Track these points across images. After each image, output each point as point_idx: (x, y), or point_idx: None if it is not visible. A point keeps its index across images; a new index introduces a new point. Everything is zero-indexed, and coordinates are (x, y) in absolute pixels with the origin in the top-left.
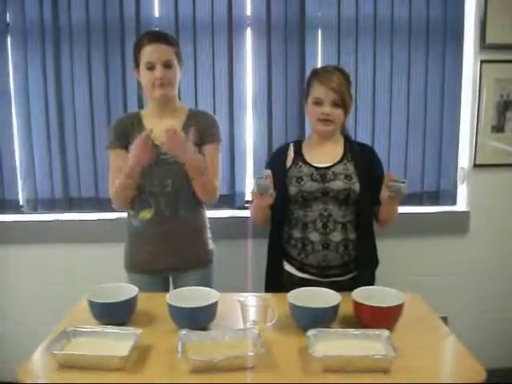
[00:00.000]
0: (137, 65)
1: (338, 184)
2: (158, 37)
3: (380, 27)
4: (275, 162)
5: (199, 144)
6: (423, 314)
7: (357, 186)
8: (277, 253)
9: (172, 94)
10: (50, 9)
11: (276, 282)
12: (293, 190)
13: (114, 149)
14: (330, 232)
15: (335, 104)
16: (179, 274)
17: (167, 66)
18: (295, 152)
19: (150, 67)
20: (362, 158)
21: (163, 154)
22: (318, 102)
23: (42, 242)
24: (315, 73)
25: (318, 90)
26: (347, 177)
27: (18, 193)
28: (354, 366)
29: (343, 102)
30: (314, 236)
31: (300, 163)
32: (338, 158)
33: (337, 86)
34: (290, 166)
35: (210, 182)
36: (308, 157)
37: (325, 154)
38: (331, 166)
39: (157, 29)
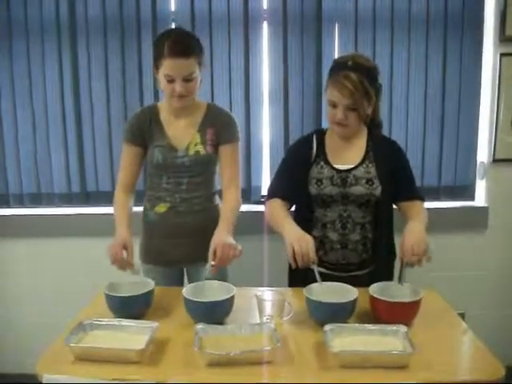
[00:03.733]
0: (156, 65)
1: (359, 189)
2: (179, 49)
3: (397, 20)
4: (297, 156)
5: (216, 144)
6: (441, 310)
7: (378, 191)
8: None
9: (190, 102)
10: (66, 4)
11: (300, 277)
12: (312, 191)
13: (127, 143)
14: (349, 233)
15: (349, 108)
16: (193, 266)
17: (187, 80)
18: (317, 146)
19: (170, 80)
20: (384, 156)
21: (181, 157)
22: (333, 105)
23: (58, 236)
24: (333, 69)
25: (332, 93)
26: (368, 181)
27: (39, 187)
28: (371, 361)
29: (357, 106)
30: (333, 235)
31: (321, 163)
32: (360, 157)
33: (350, 92)
34: (312, 164)
35: (236, 200)
36: (330, 155)
37: (346, 153)
38: (353, 169)
39: (176, 26)
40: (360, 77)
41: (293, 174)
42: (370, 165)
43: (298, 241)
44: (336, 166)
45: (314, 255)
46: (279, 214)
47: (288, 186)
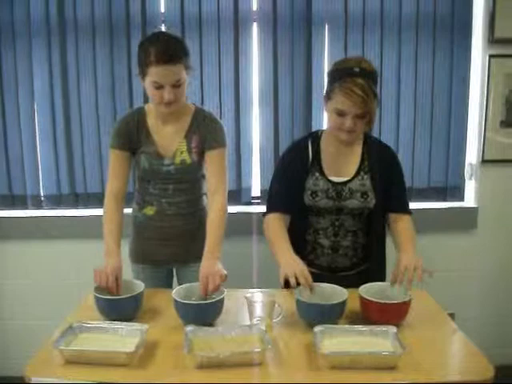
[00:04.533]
0: (142, 72)
1: (353, 203)
2: (167, 56)
3: (387, 21)
4: (295, 163)
5: (201, 151)
6: (431, 311)
7: (372, 203)
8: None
9: (178, 107)
10: (55, 4)
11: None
12: (307, 201)
13: (114, 149)
14: (341, 240)
15: (359, 116)
16: (182, 266)
17: (176, 86)
18: (313, 154)
19: (158, 87)
20: (379, 165)
21: (167, 165)
22: (340, 114)
23: (47, 238)
24: (340, 76)
25: (341, 102)
26: (363, 194)
27: (25, 189)
28: (360, 362)
29: (369, 113)
30: (325, 242)
31: (317, 174)
32: (355, 168)
33: (362, 100)
34: (308, 173)
35: (222, 210)
36: (325, 165)
37: (343, 164)
38: (348, 182)
39: (159, 29)
40: (369, 83)
41: (291, 184)
42: (366, 176)
43: (293, 270)
44: (331, 179)
45: (310, 282)
46: (276, 235)
47: (287, 197)
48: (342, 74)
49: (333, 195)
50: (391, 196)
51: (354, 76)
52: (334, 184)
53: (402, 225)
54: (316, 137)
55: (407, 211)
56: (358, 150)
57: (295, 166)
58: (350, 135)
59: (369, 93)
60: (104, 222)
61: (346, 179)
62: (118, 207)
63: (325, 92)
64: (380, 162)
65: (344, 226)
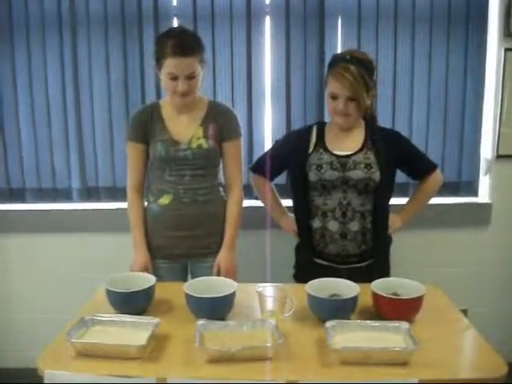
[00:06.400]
0: (158, 64)
1: (357, 173)
2: (182, 49)
3: (400, 15)
4: (296, 144)
5: (219, 140)
6: (443, 307)
7: (377, 176)
8: (307, 245)
9: (192, 99)
10: None
11: (307, 273)
12: (312, 177)
13: (131, 141)
14: (349, 221)
15: (349, 99)
16: (197, 261)
17: (190, 77)
18: (317, 137)
19: (173, 78)
20: (382, 144)
21: (183, 150)
22: (334, 97)
23: (58, 231)
24: (332, 64)
25: (333, 86)
26: (367, 166)
27: (39, 182)
28: (372, 358)
29: (357, 97)
30: (333, 225)
31: (321, 150)
32: (359, 146)
33: (350, 83)
34: (311, 153)
35: (239, 202)
36: (329, 144)
37: (346, 142)
38: (352, 155)
39: (178, 24)
40: (358, 68)
41: (287, 161)
42: (369, 152)
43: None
44: (335, 152)
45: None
46: (275, 201)
47: (277, 171)
48: (334, 61)
49: (337, 166)
50: (412, 167)
51: (345, 62)
52: (338, 157)
53: (422, 186)
54: (321, 124)
55: (430, 168)
56: (360, 133)
57: (296, 144)
58: (344, 119)
59: (357, 77)
60: (129, 215)
61: (349, 153)
62: (140, 199)
63: (324, 82)
64: (385, 141)
65: (351, 206)
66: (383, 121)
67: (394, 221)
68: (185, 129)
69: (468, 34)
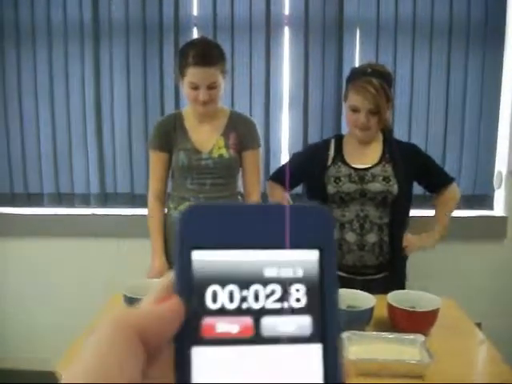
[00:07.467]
0: (181, 73)
1: (376, 186)
2: (204, 59)
3: (419, 27)
4: (315, 158)
5: (239, 149)
6: (458, 320)
7: (395, 188)
8: None
9: (214, 108)
10: (90, 7)
11: None
12: (331, 189)
13: (155, 150)
14: (366, 233)
15: (371, 112)
16: None
17: (211, 87)
18: (336, 150)
19: (194, 87)
20: (400, 158)
21: (205, 159)
22: (355, 110)
23: (75, 236)
24: (353, 77)
25: (354, 99)
26: (385, 179)
27: (58, 187)
28: (388, 370)
29: (379, 110)
30: (351, 236)
31: (339, 163)
32: (377, 159)
33: (373, 96)
34: (330, 166)
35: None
36: (347, 156)
37: (364, 155)
38: (370, 168)
39: (200, 35)
40: (380, 81)
41: (305, 173)
42: (387, 165)
43: None
44: (354, 165)
45: None
46: None
47: (294, 182)
48: (355, 74)
49: (356, 179)
50: (429, 181)
51: (366, 75)
52: (357, 170)
53: (440, 198)
54: (339, 137)
55: (447, 182)
56: (378, 146)
57: (315, 157)
58: (364, 133)
59: (379, 90)
60: (149, 222)
61: (368, 166)
62: (161, 207)
63: (343, 95)
64: (402, 155)
65: (369, 218)
66: (400, 133)
67: (411, 242)
68: (207, 138)
69: (486, 47)
